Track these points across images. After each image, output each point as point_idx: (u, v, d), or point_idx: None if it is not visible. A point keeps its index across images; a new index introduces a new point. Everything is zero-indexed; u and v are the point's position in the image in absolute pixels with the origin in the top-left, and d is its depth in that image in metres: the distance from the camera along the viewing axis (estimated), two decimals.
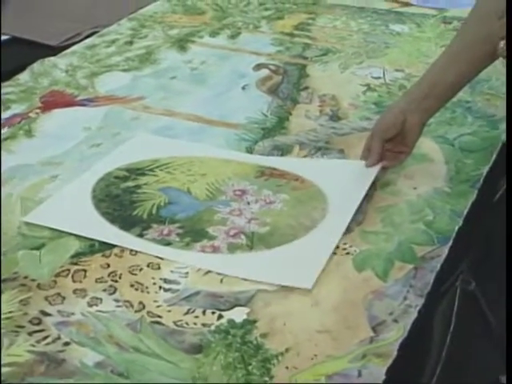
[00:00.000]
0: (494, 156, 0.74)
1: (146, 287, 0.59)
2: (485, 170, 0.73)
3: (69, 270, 0.61)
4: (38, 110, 0.86)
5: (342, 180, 0.71)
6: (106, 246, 0.63)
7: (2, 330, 0.55)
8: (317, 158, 0.76)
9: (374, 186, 0.70)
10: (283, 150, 0.78)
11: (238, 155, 0.77)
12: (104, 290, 0.59)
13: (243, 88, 0.91)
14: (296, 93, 0.90)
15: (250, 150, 0.78)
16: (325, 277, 0.59)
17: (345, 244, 0.63)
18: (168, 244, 0.63)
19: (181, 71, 0.95)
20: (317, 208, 0.67)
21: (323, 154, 0.77)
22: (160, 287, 0.59)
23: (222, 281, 0.59)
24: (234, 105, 0.87)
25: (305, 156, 0.77)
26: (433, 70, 0.68)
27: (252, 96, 0.89)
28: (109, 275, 0.60)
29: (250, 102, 0.87)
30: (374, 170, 0.70)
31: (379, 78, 0.92)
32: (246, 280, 0.59)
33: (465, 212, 0.67)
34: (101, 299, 0.58)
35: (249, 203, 0.69)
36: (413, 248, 0.63)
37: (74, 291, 0.59)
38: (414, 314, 0.56)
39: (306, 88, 0.91)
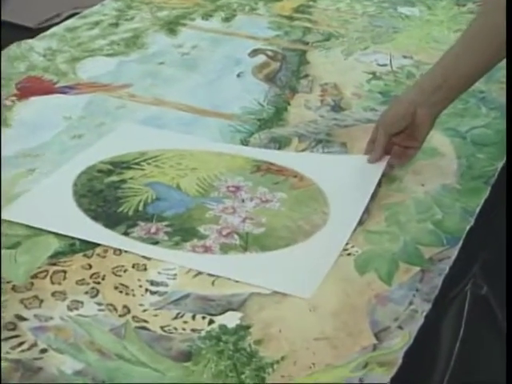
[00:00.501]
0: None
1: (132, 290, 0.60)
2: (499, 165, 0.74)
3: (47, 270, 0.61)
4: (13, 98, 0.86)
5: (345, 179, 0.72)
6: (87, 246, 0.64)
7: None
8: (317, 153, 0.76)
9: (378, 182, 0.70)
10: (281, 143, 0.79)
11: (232, 148, 0.77)
12: (85, 293, 0.59)
13: (238, 75, 0.92)
14: (295, 81, 0.91)
15: (244, 143, 0.79)
16: (324, 279, 0.60)
17: (346, 244, 0.64)
18: (156, 243, 0.64)
19: (170, 56, 0.96)
20: (317, 211, 0.68)
21: (324, 147, 0.78)
22: (146, 290, 0.60)
23: (213, 283, 0.60)
24: (227, 93, 0.87)
25: (304, 149, 0.78)
26: (446, 59, 0.68)
27: (247, 84, 0.90)
28: (91, 277, 0.61)
29: (246, 90, 0.88)
30: (380, 169, 0.70)
31: (385, 65, 0.93)
32: (239, 282, 0.60)
33: (477, 210, 0.68)
34: (82, 302, 0.58)
35: (243, 201, 0.70)
36: (419, 249, 0.64)
37: (53, 294, 0.59)
38: (420, 320, 0.57)
39: (306, 76, 0.92)
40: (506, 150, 0.70)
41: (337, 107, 0.85)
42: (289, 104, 0.86)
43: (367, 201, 0.68)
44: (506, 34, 0.63)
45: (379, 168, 0.71)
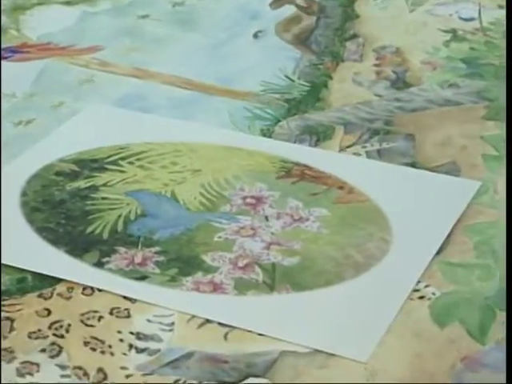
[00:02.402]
0: None
1: (109, 346, 0.61)
2: None
3: None
4: None
5: (415, 198, 0.73)
6: (43, 282, 0.65)
7: None
8: (374, 161, 0.77)
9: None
10: (319, 135, 0.81)
11: (250, 141, 0.79)
12: (42, 351, 0.60)
13: (256, 36, 0.94)
14: (339, 44, 0.92)
15: (267, 134, 0.80)
16: (385, 334, 0.61)
17: (418, 283, 0.65)
18: (143, 278, 0.66)
19: (157, 7, 0.98)
20: (374, 236, 0.69)
21: (381, 141, 0.80)
22: (130, 346, 0.61)
23: (226, 337, 0.61)
24: (241, 62, 0.89)
25: (353, 144, 0.79)
26: None
27: (269, 48, 0.91)
28: (50, 327, 0.62)
29: (267, 57, 0.90)
30: (470, 193, 0.72)
31: (472, 19, 0.95)
32: (264, 336, 0.61)
33: None
34: (37, 365, 0.59)
35: (267, 218, 0.71)
36: None
37: None
38: None
39: (355, 36, 0.93)
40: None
41: (400, 82, 0.87)
42: (330, 78, 0.88)
43: (449, 228, 0.69)
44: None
45: (468, 192, 0.72)
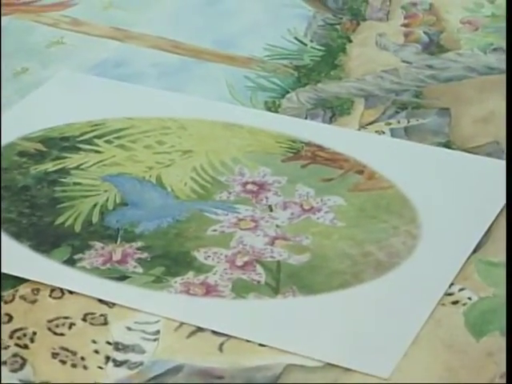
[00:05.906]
0: None
1: (82, 358, 0.61)
2: None
3: None
4: None
5: (450, 184, 0.74)
6: (4, 283, 0.66)
7: None
8: (400, 140, 0.78)
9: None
10: (335, 109, 0.82)
11: (252, 117, 0.80)
12: (3, 364, 0.61)
13: None
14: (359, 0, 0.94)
15: (273, 108, 0.82)
16: (411, 346, 0.62)
17: (450, 285, 0.66)
18: (122, 278, 0.67)
19: None
20: (398, 230, 0.70)
21: (410, 117, 0.81)
22: (107, 358, 0.61)
23: (221, 348, 0.62)
24: (242, 21, 0.90)
25: (375, 120, 0.80)
26: None
27: (276, 4, 0.92)
28: (11, 336, 0.63)
29: (273, 15, 0.91)
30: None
31: None
32: (266, 347, 0.62)
33: None
34: None
35: (271, 208, 0.72)
36: None
37: None
38: None
39: None
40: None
41: (433, 46, 0.87)
42: (349, 40, 0.89)
43: (489, 221, 0.70)
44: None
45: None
